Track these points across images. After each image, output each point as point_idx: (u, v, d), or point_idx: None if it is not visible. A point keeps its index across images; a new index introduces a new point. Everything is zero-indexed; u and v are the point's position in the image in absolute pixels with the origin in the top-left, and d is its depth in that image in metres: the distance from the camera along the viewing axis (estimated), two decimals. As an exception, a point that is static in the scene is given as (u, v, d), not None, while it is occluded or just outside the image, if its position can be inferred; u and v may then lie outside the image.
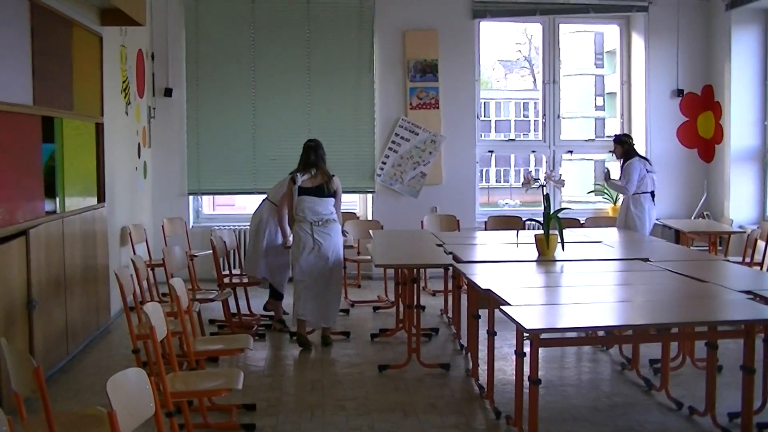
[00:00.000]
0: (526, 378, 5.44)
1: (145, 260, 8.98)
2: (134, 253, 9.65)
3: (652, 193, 10.11)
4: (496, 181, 25.22)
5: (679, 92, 12.63)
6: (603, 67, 30.23)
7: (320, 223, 8.24)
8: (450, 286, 9.27)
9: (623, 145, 10.16)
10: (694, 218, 12.34)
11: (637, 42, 12.82)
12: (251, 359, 7.97)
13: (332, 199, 8.32)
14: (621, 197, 10.38)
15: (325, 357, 8.10)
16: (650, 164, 10.32)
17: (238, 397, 6.46)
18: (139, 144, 10.91)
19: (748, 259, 9.64)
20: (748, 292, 5.86)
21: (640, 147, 12.39)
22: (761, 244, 9.67)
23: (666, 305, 5.79)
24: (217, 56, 12.05)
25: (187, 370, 6.03)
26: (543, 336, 5.31)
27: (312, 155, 8.39)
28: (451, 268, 7.68)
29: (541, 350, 5.31)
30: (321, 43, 12.14)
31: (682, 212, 12.59)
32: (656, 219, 10.95)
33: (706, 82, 12.66)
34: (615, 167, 10.84)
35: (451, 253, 7.85)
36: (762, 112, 12.06)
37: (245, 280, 9.43)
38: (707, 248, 10.65)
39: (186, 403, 5.51)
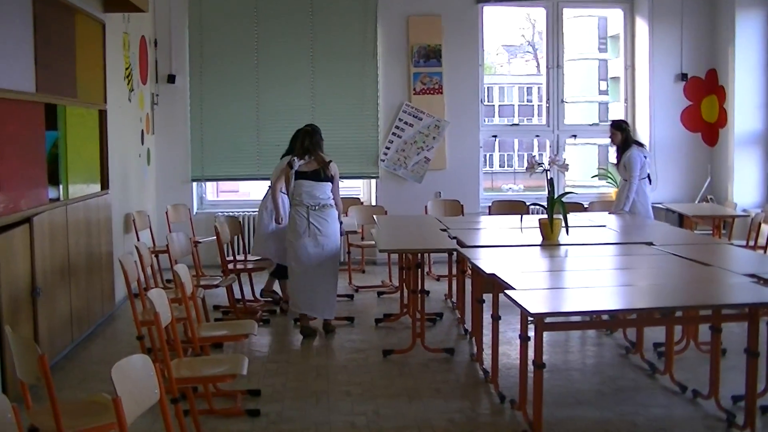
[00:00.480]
0: (530, 362, 5.45)
1: (149, 247, 8.98)
2: (138, 240, 9.66)
3: (648, 176, 10.15)
4: (500, 166, 25.24)
5: (683, 76, 12.60)
6: (606, 52, 30.21)
7: (317, 207, 8.21)
8: (454, 271, 9.28)
9: (623, 132, 10.14)
10: (698, 202, 12.33)
11: (641, 26, 12.78)
12: (256, 345, 7.99)
13: (329, 184, 8.29)
14: (621, 181, 10.38)
15: (330, 343, 8.11)
16: (645, 149, 10.37)
17: (243, 383, 6.46)
18: (142, 131, 10.91)
19: (752, 243, 9.63)
20: (752, 276, 5.84)
21: (644, 131, 12.44)
22: (765, 227, 9.64)
23: (670, 289, 5.79)
24: (221, 42, 12.04)
25: (191, 357, 6.05)
26: (547, 320, 5.31)
27: (307, 141, 8.36)
28: (455, 252, 7.70)
29: (545, 334, 5.31)
30: (324, 29, 12.12)
31: (686, 196, 12.58)
32: (660, 203, 11.42)
33: (710, 66, 12.62)
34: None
35: (455, 237, 7.85)
36: (766, 96, 12.00)
37: (250, 266, 9.45)
38: (711, 232, 10.65)
39: (191, 390, 5.53)
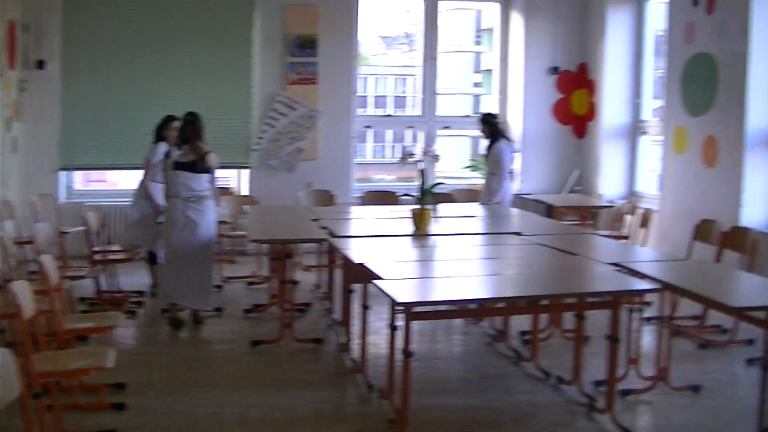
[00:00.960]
0: (398, 351, 5.49)
1: (13, 237, 8.73)
2: (2, 230, 9.37)
3: (511, 171, 10.37)
4: (373, 157, 25.31)
5: (555, 69, 12.82)
6: (481, 45, 30.58)
7: (193, 199, 8.09)
8: (325, 261, 9.28)
9: (490, 126, 10.30)
10: (566, 193, 12.58)
11: (516, 20, 12.96)
12: (122, 337, 7.84)
13: (207, 176, 8.16)
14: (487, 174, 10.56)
15: (198, 334, 8.04)
16: (513, 144, 10.59)
17: (109, 376, 6.31)
18: (8, 118, 10.57)
19: (616, 233, 9.88)
20: (615, 265, 6.02)
21: (516, 123, 12.65)
22: (628, 218, 9.93)
23: (537, 278, 5.91)
24: (94, 28, 11.71)
25: (55, 350, 5.90)
26: (415, 309, 5.35)
27: (188, 130, 8.22)
28: (325, 242, 7.69)
29: (413, 324, 5.34)
30: (201, 17, 11.92)
31: (555, 187, 12.82)
32: (529, 194, 11.89)
33: (582, 60, 12.87)
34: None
35: (326, 228, 7.84)
36: (633, 91, 12.29)
37: (117, 257, 9.28)
38: (578, 222, 10.88)
39: (54, 384, 5.39)
